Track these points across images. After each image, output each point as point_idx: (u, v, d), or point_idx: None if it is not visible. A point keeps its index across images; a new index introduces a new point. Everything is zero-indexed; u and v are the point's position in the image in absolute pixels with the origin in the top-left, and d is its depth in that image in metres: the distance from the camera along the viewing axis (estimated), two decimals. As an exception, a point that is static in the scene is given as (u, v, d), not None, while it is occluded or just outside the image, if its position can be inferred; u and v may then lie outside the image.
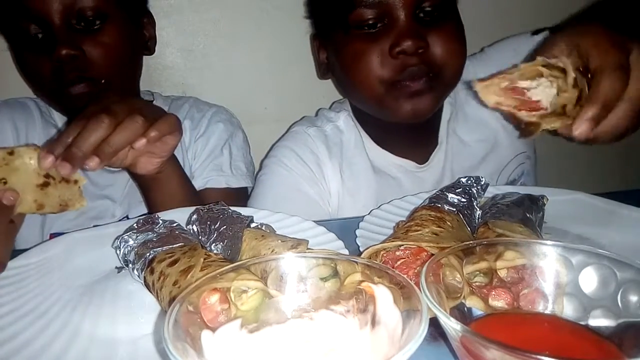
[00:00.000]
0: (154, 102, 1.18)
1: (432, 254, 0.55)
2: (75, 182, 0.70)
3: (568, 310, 0.48)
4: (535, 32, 1.01)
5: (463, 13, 0.99)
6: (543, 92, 0.62)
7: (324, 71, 1.09)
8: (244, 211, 0.76)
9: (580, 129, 0.60)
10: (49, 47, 0.92)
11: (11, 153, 0.66)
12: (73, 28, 0.93)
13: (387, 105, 0.95)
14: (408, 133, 1.04)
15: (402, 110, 0.94)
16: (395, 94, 0.93)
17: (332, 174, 1.06)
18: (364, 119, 1.08)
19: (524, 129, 0.64)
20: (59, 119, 1.11)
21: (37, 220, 1.02)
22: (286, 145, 1.08)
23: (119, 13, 0.98)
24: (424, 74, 0.91)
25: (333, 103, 1.21)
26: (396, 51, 0.89)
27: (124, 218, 1.06)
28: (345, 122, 1.10)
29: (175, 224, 0.72)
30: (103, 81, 0.96)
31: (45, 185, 0.67)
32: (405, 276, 0.44)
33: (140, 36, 1.09)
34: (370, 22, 0.91)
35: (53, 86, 0.95)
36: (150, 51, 1.13)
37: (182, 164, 1.11)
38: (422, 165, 1.06)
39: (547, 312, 0.49)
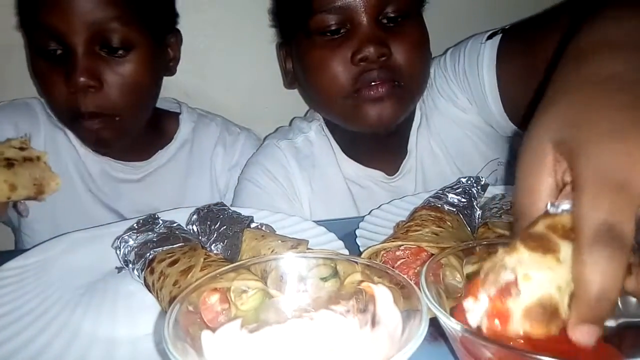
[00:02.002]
0: (181, 114, 1.14)
1: (432, 254, 0.55)
2: (38, 158, 0.69)
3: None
4: (491, 36, 0.94)
5: (432, 15, 0.97)
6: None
7: (290, 81, 1.07)
8: (244, 211, 0.76)
9: (576, 337, 0.36)
10: (66, 68, 0.86)
11: None
12: (95, 55, 0.87)
13: (351, 114, 0.92)
14: (377, 143, 1.02)
15: (366, 118, 0.91)
16: (358, 101, 0.90)
17: (302, 186, 1.05)
18: (333, 129, 1.07)
19: None
20: None
21: (47, 230, 0.95)
22: (258, 162, 1.07)
23: (145, 40, 0.92)
24: (386, 80, 0.88)
25: (308, 111, 1.20)
26: (358, 58, 0.86)
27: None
28: (316, 133, 1.09)
29: (175, 224, 0.72)
30: (118, 119, 0.91)
31: (10, 165, 0.65)
32: (405, 276, 0.44)
33: (163, 58, 1.02)
34: (333, 27, 0.88)
35: (66, 111, 0.90)
36: (172, 72, 1.05)
37: (210, 191, 1.10)
38: (392, 177, 1.04)
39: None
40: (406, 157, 1.04)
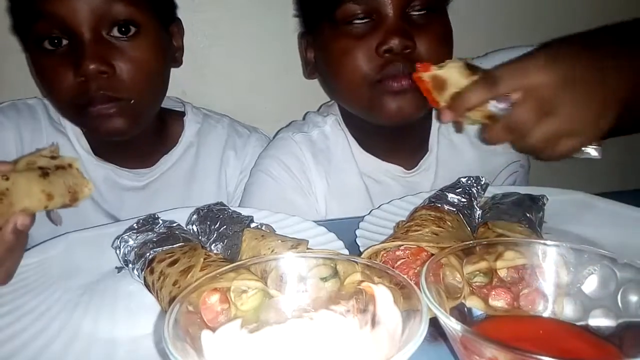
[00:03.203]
0: (186, 116, 1.12)
1: (432, 254, 0.55)
2: (70, 165, 0.68)
3: (568, 310, 0.48)
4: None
5: (460, 14, 0.98)
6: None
7: (311, 70, 1.07)
8: (243, 211, 0.76)
9: (443, 113, 0.74)
10: (74, 57, 0.84)
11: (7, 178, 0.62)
12: (103, 40, 0.85)
13: (372, 105, 0.93)
14: (396, 138, 1.03)
15: (386, 110, 0.91)
16: (379, 93, 0.90)
17: (318, 180, 1.05)
18: (352, 123, 1.07)
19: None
20: (69, 126, 1.02)
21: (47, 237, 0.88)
22: (272, 154, 1.07)
23: (151, 23, 0.91)
24: (408, 73, 0.87)
25: (321, 106, 1.20)
26: (383, 49, 0.87)
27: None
28: (332, 127, 1.09)
29: (175, 224, 0.72)
30: (132, 101, 0.89)
31: (45, 174, 0.64)
32: (405, 276, 0.44)
33: (170, 46, 1.00)
34: (359, 16, 0.89)
35: (75, 101, 0.87)
36: (178, 63, 1.04)
37: (216, 196, 1.09)
38: (410, 171, 1.05)
39: (547, 312, 0.49)
40: (426, 155, 1.05)
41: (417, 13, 0.89)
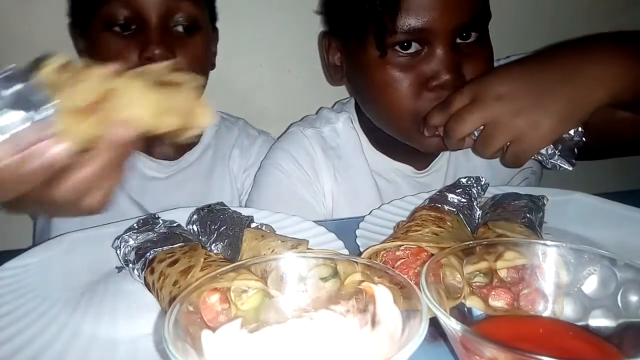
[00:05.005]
0: None
1: (432, 254, 0.55)
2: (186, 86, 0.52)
3: (568, 310, 0.48)
4: None
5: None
6: None
7: (338, 77, 1.03)
8: (244, 211, 0.76)
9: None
10: (140, 41, 0.91)
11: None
12: (169, 30, 0.93)
13: (413, 138, 0.91)
14: None
15: (427, 145, 0.91)
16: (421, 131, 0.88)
17: (326, 176, 1.05)
18: (365, 122, 1.06)
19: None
20: None
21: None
22: (283, 148, 1.07)
23: (208, 27, 1.00)
24: None
25: (335, 103, 1.21)
26: (434, 85, 0.84)
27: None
28: (344, 125, 1.08)
29: (175, 224, 0.72)
30: None
31: (162, 85, 0.50)
32: (405, 276, 0.44)
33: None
34: (408, 47, 0.85)
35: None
36: (213, 66, 1.11)
37: (230, 194, 1.13)
38: (421, 172, 1.05)
39: (547, 312, 0.49)
40: (439, 156, 1.05)
41: (465, 39, 0.86)
